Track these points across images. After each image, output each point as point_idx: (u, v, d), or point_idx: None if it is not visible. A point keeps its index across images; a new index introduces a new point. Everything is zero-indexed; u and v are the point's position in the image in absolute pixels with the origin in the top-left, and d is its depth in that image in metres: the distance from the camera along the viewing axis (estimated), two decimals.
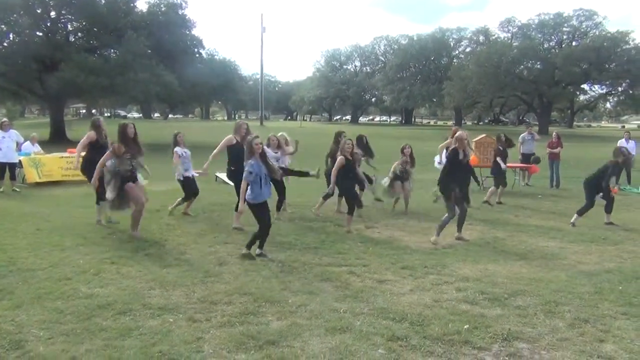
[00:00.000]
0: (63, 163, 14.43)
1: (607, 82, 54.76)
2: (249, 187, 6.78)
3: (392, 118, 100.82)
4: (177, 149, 9.24)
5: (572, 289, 5.72)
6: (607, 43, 50.26)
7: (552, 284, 5.90)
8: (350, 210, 8.69)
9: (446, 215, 8.03)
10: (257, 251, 6.90)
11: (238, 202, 8.30)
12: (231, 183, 9.27)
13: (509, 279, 6.07)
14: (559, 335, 4.51)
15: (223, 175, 13.07)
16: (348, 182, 8.73)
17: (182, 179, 9.37)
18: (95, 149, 8.63)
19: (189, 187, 9.47)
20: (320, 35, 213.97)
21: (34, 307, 4.92)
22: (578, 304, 5.27)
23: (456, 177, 8.08)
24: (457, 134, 8.42)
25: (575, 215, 9.51)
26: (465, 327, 4.62)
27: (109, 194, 7.72)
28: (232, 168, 8.63)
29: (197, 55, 37.22)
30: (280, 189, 9.35)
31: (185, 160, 9.34)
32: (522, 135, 16.10)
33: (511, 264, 6.82)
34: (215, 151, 8.94)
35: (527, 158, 15.44)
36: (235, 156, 8.43)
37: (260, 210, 6.90)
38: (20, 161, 13.54)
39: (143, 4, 35.46)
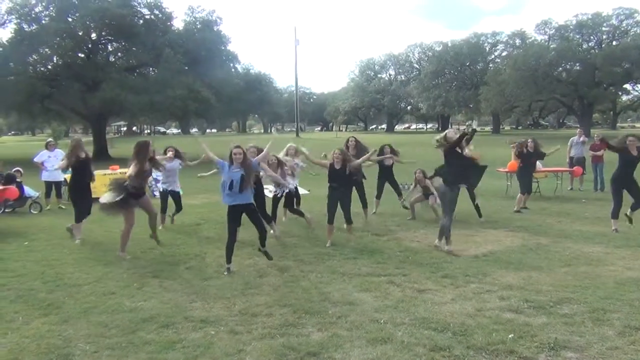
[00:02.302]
0: (106, 180, 14.52)
1: None
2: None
3: (429, 125, 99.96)
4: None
5: (620, 296, 5.53)
6: None
7: (600, 291, 5.72)
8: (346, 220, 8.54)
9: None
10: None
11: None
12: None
13: (553, 287, 5.92)
14: (608, 344, 4.37)
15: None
16: (330, 191, 8.47)
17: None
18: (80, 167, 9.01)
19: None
20: (354, 46, 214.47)
21: (80, 322, 5.05)
22: (628, 311, 5.09)
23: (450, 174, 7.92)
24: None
25: None
26: (510, 336, 4.51)
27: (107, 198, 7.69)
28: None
29: (233, 70, 37.78)
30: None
31: (167, 174, 9.71)
32: (571, 138, 15.78)
33: (555, 271, 6.65)
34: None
35: (575, 162, 15.15)
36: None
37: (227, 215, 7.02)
38: (65, 179, 13.92)
39: (179, 22, 36.11)
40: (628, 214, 9.16)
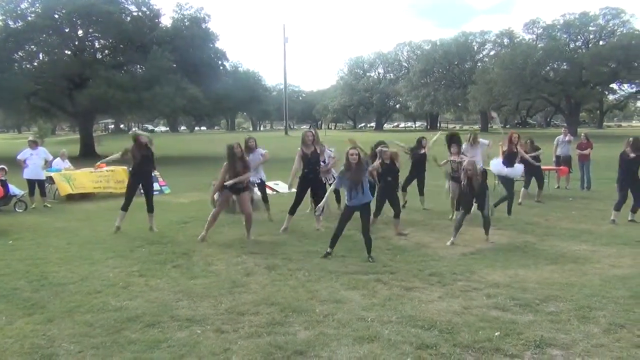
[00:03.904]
0: (94, 177, 14.42)
1: (637, 81, 53.50)
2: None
3: (417, 124, 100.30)
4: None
5: (606, 293, 5.57)
6: (635, 41, 48.99)
7: (585, 289, 5.76)
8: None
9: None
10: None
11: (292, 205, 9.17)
12: (280, 191, 9.64)
13: (540, 284, 5.95)
14: (594, 341, 4.39)
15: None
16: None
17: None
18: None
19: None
20: (343, 44, 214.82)
21: (64, 321, 4.99)
22: (613, 309, 5.13)
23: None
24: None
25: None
26: (496, 334, 4.53)
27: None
28: (305, 170, 9.23)
29: (221, 67, 37.54)
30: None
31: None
32: (557, 137, 15.88)
33: (542, 268, 6.69)
34: (294, 167, 9.39)
35: (562, 161, 15.27)
36: (307, 163, 9.20)
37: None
38: (51, 177, 13.79)
39: (167, 19, 35.90)
40: (630, 218, 9.68)
